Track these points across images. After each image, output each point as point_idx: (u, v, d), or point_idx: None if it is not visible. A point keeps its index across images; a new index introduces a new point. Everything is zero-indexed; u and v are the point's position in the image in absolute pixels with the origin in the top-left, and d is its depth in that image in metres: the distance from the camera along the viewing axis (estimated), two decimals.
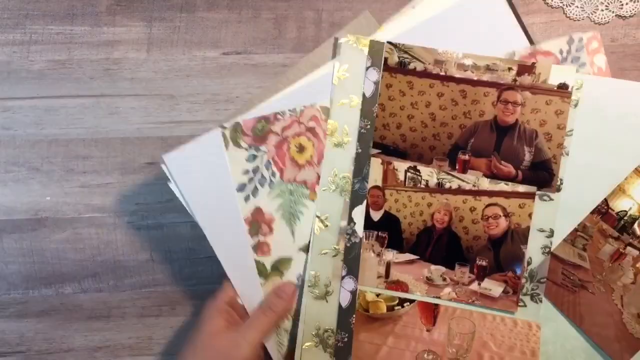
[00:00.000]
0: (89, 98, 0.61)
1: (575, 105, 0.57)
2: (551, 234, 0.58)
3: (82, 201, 0.61)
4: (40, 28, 0.61)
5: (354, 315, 0.59)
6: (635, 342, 0.57)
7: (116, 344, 0.61)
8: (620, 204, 0.58)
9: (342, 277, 0.58)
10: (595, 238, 0.58)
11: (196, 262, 0.63)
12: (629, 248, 0.57)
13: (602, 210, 0.58)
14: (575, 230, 0.58)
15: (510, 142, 0.58)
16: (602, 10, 0.61)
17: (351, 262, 0.59)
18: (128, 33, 0.62)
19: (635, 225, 0.58)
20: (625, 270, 0.57)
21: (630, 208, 0.57)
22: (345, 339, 0.58)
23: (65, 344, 0.61)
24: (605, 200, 0.58)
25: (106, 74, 0.61)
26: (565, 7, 0.62)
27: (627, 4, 0.61)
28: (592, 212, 0.58)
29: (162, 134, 0.62)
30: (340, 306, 0.59)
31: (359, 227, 0.59)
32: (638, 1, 0.61)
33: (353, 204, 0.59)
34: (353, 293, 0.58)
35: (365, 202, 0.59)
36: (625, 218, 0.57)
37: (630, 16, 0.61)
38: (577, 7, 0.61)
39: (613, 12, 0.61)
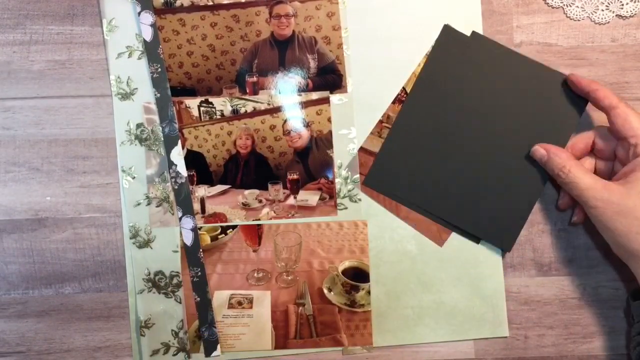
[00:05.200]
0: (89, 98, 0.61)
1: (344, 4, 0.60)
2: (353, 133, 0.60)
3: (82, 201, 0.61)
4: (40, 28, 0.61)
5: (201, 250, 0.60)
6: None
7: (116, 344, 0.61)
8: None
9: (180, 219, 0.60)
10: None
11: None
12: None
13: (402, 99, 0.60)
14: (380, 121, 0.60)
15: (293, 54, 0.60)
16: (603, 10, 0.61)
17: (184, 203, 0.60)
18: None
19: None
20: None
21: None
22: (200, 273, 0.60)
23: (65, 344, 0.61)
24: (404, 88, 0.60)
25: (106, 74, 0.61)
26: (565, 7, 0.61)
27: (627, 4, 0.61)
28: (394, 102, 0.60)
29: None
30: (185, 245, 0.60)
31: (182, 168, 0.60)
32: (638, 1, 0.61)
33: (169, 148, 0.60)
34: (194, 230, 0.60)
35: (180, 142, 0.60)
36: None
37: (630, 16, 0.61)
38: (578, 7, 0.61)
39: (613, 12, 0.61)
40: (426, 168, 0.60)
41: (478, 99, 0.59)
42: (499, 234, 0.60)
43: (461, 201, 0.59)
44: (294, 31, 0.60)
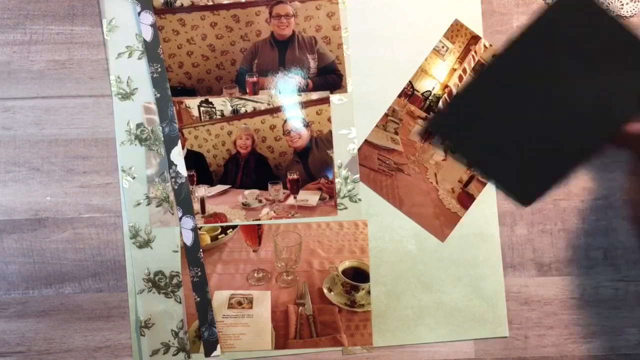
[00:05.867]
0: (89, 98, 0.61)
1: (344, 4, 0.60)
2: (353, 133, 0.60)
3: (82, 201, 0.61)
4: (40, 28, 0.61)
5: (201, 250, 0.60)
6: (452, 216, 0.61)
7: (116, 344, 0.61)
8: (424, 85, 0.61)
9: (180, 219, 0.60)
10: (405, 120, 0.61)
11: None
12: None
13: (408, 93, 0.61)
14: (386, 115, 0.60)
15: (293, 54, 0.60)
16: None
17: (184, 203, 0.60)
18: None
19: (440, 104, 0.61)
20: (435, 149, 0.61)
21: (434, 87, 0.61)
22: (200, 273, 0.60)
23: (65, 344, 0.61)
24: (410, 82, 0.60)
25: (106, 74, 0.61)
26: None
27: (627, 4, 0.61)
28: (400, 96, 0.60)
29: None
30: (185, 245, 0.60)
31: (181, 168, 0.60)
32: (638, 1, 0.61)
33: (169, 148, 0.60)
34: (194, 230, 0.60)
35: (180, 142, 0.60)
36: (430, 98, 0.61)
37: (630, 16, 0.61)
38: None
39: (613, 12, 0.61)
40: (492, 124, 0.51)
41: (572, 63, 0.52)
42: (520, 186, 0.52)
43: (507, 156, 0.51)
44: (294, 31, 0.60)
